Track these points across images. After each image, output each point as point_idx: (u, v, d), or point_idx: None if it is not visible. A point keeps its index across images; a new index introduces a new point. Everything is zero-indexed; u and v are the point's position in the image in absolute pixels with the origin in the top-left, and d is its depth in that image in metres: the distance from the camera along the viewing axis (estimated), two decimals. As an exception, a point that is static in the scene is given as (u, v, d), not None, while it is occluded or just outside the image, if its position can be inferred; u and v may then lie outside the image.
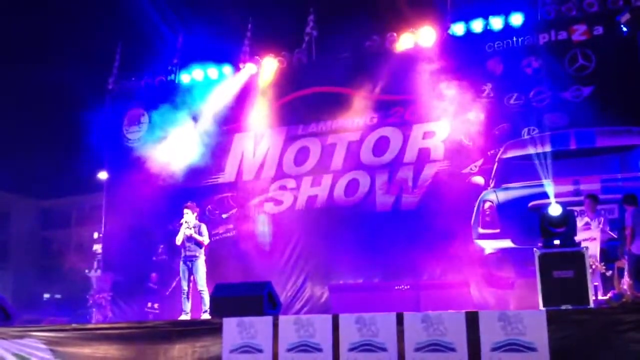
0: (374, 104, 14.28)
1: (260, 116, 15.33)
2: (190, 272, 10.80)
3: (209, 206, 15.23)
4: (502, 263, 12.30)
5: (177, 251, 11.21)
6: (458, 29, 13.55)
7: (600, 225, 10.00)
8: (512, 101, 12.98)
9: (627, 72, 12.14)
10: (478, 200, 12.78)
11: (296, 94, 15.13)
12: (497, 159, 12.85)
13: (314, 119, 14.86)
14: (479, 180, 12.91)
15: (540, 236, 7.92)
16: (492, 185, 12.81)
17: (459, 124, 13.25)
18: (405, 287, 11.89)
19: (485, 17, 13.35)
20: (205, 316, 10.24)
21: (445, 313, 7.20)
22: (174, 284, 13.24)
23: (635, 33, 11.95)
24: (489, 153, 12.94)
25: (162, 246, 14.80)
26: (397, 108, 14.07)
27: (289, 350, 7.67)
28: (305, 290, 14.02)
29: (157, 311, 14.51)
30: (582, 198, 10.78)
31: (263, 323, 7.95)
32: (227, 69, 15.60)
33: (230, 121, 15.51)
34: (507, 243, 12.35)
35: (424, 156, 13.61)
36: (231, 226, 15.12)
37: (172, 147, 15.52)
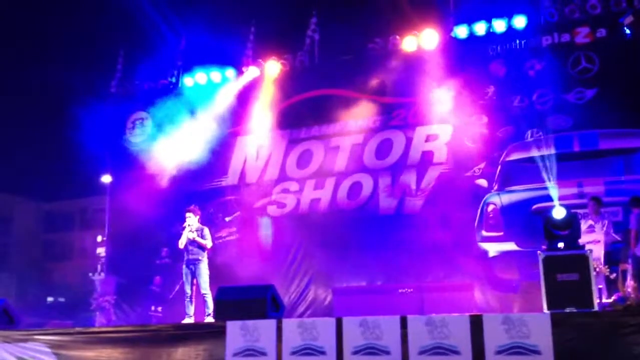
0: (376, 106, 14.28)
1: (263, 119, 15.34)
2: (194, 275, 10.80)
3: (212, 209, 15.22)
4: (505, 266, 12.28)
5: (181, 254, 11.21)
6: (461, 31, 13.55)
7: (604, 228, 9.98)
8: (515, 103, 12.96)
9: (630, 74, 12.13)
10: (481, 203, 12.76)
11: (299, 97, 15.13)
12: (500, 162, 12.83)
13: (316, 121, 14.87)
14: (483, 183, 12.89)
15: (544, 239, 7.90)
16: (495, 188, 12.79)
17: (462, 126, 13.25)
18: (409, 290, 11.89)
19: (488, 20, 13.33)
20: (209, 319, 10.23)
21: (449, 316, 7.18)
22: (177, 287, 13.24)
23: (638, 35, 11.94)
24: (492, 156, 12.92)
25: (165, 249, 14.80)
26: (400, 110, 14.07)
27: (293, 353, 7.66)
28: (308, 293, 14.01)
29: (160, 314, 14.50)
30: (585, 201, 10.76)
31: (266, 326, 7.94)
32: (230, 72, 15.61)
33: (233, 124, 15.53)
34: (510, 246, 12.32)
35: (427, 159, 13.60)
36: (234, 229, 15.11)
37: (175, 150, 15.53)
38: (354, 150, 14.39)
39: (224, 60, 15.61)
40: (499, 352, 6.78)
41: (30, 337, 9.45)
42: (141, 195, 15.28)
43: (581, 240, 8.10)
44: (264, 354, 7.82)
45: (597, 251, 9.31)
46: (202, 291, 10.67)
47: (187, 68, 15.98)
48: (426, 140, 13.72)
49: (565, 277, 7.27)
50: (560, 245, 7.66)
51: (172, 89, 16.15)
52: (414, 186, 13.62)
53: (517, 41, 13.21)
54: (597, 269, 8.80)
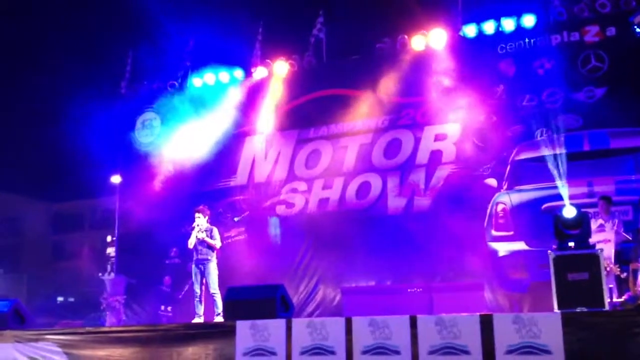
0: (385, 106, 14.27)
1: (271, 119, 15.37)
2: (203, 275, 10.82)
3: (221, 209, 15.25)
4: (515, 265, 12.24)
5: (190, 254, 11.24)
6: (470, 30, 13.51)
7: (615, 227, 9.93)
8: (524, 103, 12.93)
9: (640, 72, 12.08)
10: (491, 203, 12.73)
11: (307, 97, 15.14)
12: (510, 161, 12.79)
13: (325, 121, 14.88)
14: (492, 182, 12.86)
15: (554, 238, 7.87)
16: (505, 187, 12.76)
17: (471, 125, 13.23)
18: (418, 290, 11.87)
19: (497, 19, 13.30)
20: (218, 319, 10.25)
21: (459, 316, 7.17)
22: (187, 287, 13.28)
23: (648, 34, 11.88)
24: (501, 155, 12.88)
25: (174, 249, 14.84)
26: (408, 110, 14.06)
27: (303, 353, 7.67)
28: (317, 293, 14.02)
29: (170, 314, 14.55)
30: (596, 200, 10.70)
31: (276, 326, 7.95)
32: (238, 72, 15.65)
33: (242, 124, 15.57)
34: (520, 245, 12.29)
35: (435, 158, 13.58)
36: (243, 229, 15.13)
37: (183, 150, 15.58)
38: (363, 150, 14.38)
39: (232, 61, 15.65)
40: (509, 352, 6.76)
41: (41, 336, 9.50)
42: (150, 195, 15.36)
43: (591, 240, 8.07)
44: (273, 353, 7.83)
45: (607, 250, 9.26)
46: (211, 291, 10.69)
47: (196, 68, 16.02)
48: (435, 140, 13.70)
49: (575, 277, 7.23)
50: (571, 244, 7.63)
51: (180, 90, 16.19)
52: (422, 186, 13.60)
53: (527, 40, 13.17)
54: (608, 268, 8.77)
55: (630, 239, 9.97)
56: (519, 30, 13.19)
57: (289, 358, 7.73)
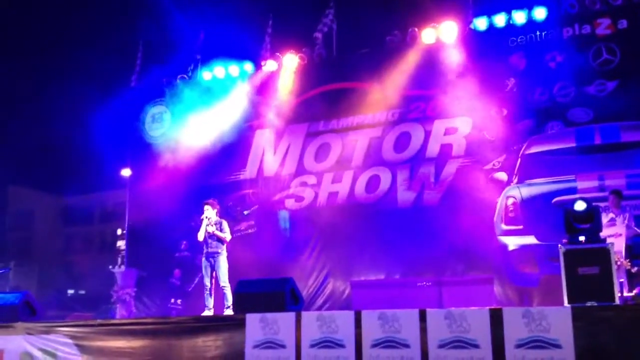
0: (395, 99, 14.23)
1: (281, 112, 15.37)
2: (213, 268, 10.84)
3: (231, 202, 15.29)
4: (525, 259, 12.20)
5: (200, 247, 11.26)
6: (481, 23, 13.45)
7: (626, 221, 9.86)
8: (535, 96, 12.86)
9: (652, 66, 11.99)
10: (501, 196, 12.69)
11: (317, 90, 15.13)
12: (520, 155, 12.74)
13: (334, 115, 14.86)
14: (502, 176, 12.82)
15: (565, 232, 7.83)
16: (515, 181, 12.71)
17: (482, 119, 13.17)
18: (427, 284, 11.86)
19: (508, 12, 13.23)
20: (228, 312, 10.29)
21: (469, 310, 7.16)
22: (197, 280, 13.33)
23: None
24: (512, 148, 12.83)
25: (184, 242, 14.90)
26: (418, 103, 14.02)
27: (312, 346, 7.68)
28: (326, 287, 14.03)
29: (180, 307, 14.63)
30: (606, 194, 10.64)
31: (286, 319, 7.97)
32: (248, 65, 15.65)
33: (252, 117, 15.58)
34: (530, 239, 12.24)
35: (445, 152, 13.54)
36: (252, 222, 15.17)
37: (193, 143, 15.61)
38: (372, 143, 14.36)
39: (242, 54, 15.65)
40: (518, 346, 6.75)
41: (52, 329, 9.57)
42: (160, 188, 15.40)
43: (602, 234, 8.03)
44: (283, 346, 7.85)
45: (618, 244, 9.20)
46: (221, 284, 10.72)
47: (206, 61, 16.03)
48: (445, 133, 13.66)
49: (586, 271, 7.20)
50: (581, 238, 7.59)
51: (190, 83, 16.21)
52: (432, 179, 13.57)
53: (538, 33, 13.10)
54: (619, 263, 8.72)
55: (641, 233, 9.92)
56: (530, 23, 13.11)
57: (298, 351, 7.75)
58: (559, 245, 7.57)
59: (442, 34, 13.72)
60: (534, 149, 12.67)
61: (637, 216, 10.44)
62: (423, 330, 7.19)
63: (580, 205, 7.86)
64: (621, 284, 8.80)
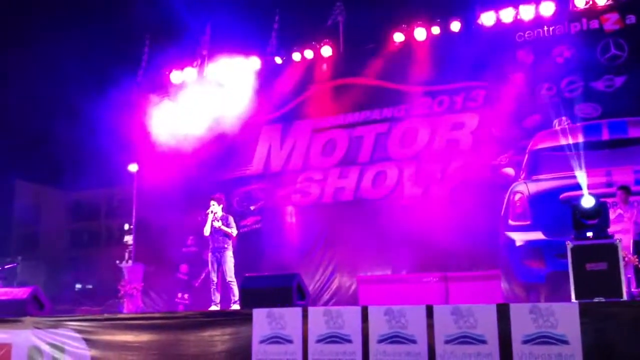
0: (401, 95, 14.21)
1: (288, 108, 15.36)
2: (219, 263, 10.86)
3: (237, 198, 15.32)
4: (532, 255, 12.18)
5: (206, 243, 11.29)
6: (488, 18, 13.39)
7: (634, 217, 9.85)
8: (543, 91, 12.82)
9: (660, 61, 11.93)
10: (508, 192, 12.66)
11: (323, 86, 15.12)
12: (527, 150, 12.71)
13: (341, 110, 14.85)
14: (509, 171, 12.79)
15: (573, 228, 7.82)
16: (522, 176, 12.68)
17: (489, 114, 13.14)
18: (434, 280, 11.85)
19: (516, 7, 13.17)
20: (235, 307, 10.31)
21: (476, 306, 7.15)
22: (204, 275, 13.36)
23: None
24: (519, 144, 12.79)
25: (191, 238, 14.94)
26: (425, 99, 13.99)
27: (319, 341, 7.70)
28: (333, 282, 14.04)
29: (187, 302, 14.67)
30: (614, 189, 10.61)
31: (293, 314, 7.98)
32: (254, 60, 15.64)
33: (258, 113, 15.57)
34: (538, 235, 12.21)
35: (452, 147, 13.52)
36: (259, 218, 15.19)
37: (200, 139, 15.62)
38: (379, 139, 14.35)
39: (248, 49, 15.64)
40: (526, 342, 6.74)
41: (60, 323, 9.61)
42: (167, 183, 15.43)
43: (610, 230, 8.01)
44: (290, 341, 7.87)
45: (626, 240, 9.20)
46: (228, 279, 10.74)
47: (212, 56, 16.03)
48: (452, 129, 13.64)
49: (593, 267, 7.19)
50: (589, 234, 7.57)
51: (197, 78, 16.22)
52: (439, 175, 13.54)
53: (545, 28, 13.05)
54: (626, 259, 8.70)
55: (650, 229, 9.89)
56: (538, 18, 13.05)
57: (305, 346, 7.77)
58: (567, 241, 7.55)
59: (449, 29, 13.69)
60: (542, 145, 12.63)
61: (644, 212, 10.40)
62: (430, 326, 7.19)
63: (587, 201, 7.84)
64: (629, 279, 8.80)
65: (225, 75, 15.86)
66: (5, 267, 11.82)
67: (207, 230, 10.92)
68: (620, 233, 9.38)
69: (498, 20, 13.35)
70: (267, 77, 15.57)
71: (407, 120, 14.15)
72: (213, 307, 10.63)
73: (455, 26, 13.61)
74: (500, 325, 6.88)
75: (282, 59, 15.42)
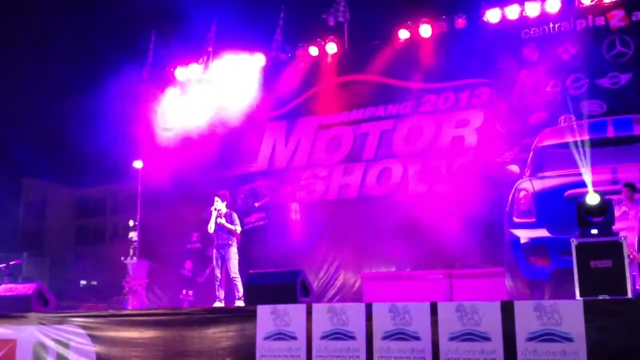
0: (406, 92, 14.19)
1: (292, 105, 15.36)
2: (224, 260, 10.88)
3: (242, 195, 15.33)
4: (537, 253, 12.16)
5: (211, 239, 11.31)
6: (493, 15, 13.35)
7: (639, 215, 9.81)
8: (548, 88, 12.77)
9: (666, 58, 11.88)
10: (513, 189, 12.63)
11: (328, 83, 15.11)
12: (532, 148, 12.66)
13: (346, 107, 14.84)
14: (514, 168, 12.76)
15: (577, 225, 7.79)
16: (527, 174, 12.65)
17: (494, 111, 13.12)
18: (438, 277, 11.84)
19: (521, 3, 13.12)
20: (239, 303, 10.32)
21: (480, 303, 7.15)
22: (208, 271, 13.38)
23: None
24: (524, 141, 12.76)
25: (195, 234, 14.96)
26: (430, 96, 13.97)
27: (323, 338, 7.71)
28: (337, 279, 14.04)
29: (191, 298, 14.70)
30: (619, 187, 10.58)
31: (297, 311, 7.99)
32: (259, 57, 15.63)
33: (262, 110, 15.57)
34: (542, 232, 12.18)
35: (457, 144, 13.50)
36: (264, 215, 15.19)
37: (205, 135, 15.64)
38: (384, 136, 14.33)
39: (253, 46, 15.63)
40: (530, 339, 6.74)
41: (64, 319, 9.64)
42: (172, 180, 15.45)
43: (615, 227, 7.99)
44: (294, 338, 7.88)
45: (631, 238, 9.16)
46: (232, 275, 10.76)
47: (218, 53, 16.03)
48: (456, 126, 13.61)
49: (598, 264, 7.17)
50: (594, 231, 7.55)
51: (202, 74, 16.23)
52: (443, 172, 13.52)
53: (551, 25, 12.99)
54: (631, 256, 8.69)
55: (655, 226, 9.85)
56: (543, 15, 13.00)
57: (309, 342, 7.78)
58: (571, 238, 7.53)
59: (454, 26, 13.66)
60: (547, 142, 12.59)
61: (650, 210, 10.35)
62: (434, 323, 7.20)
63: (592, 199, 7.81)
64: (634, 277, 8.75)
65: (230, 72, 15.85)
66: (10, 263, 11.84)
67: (211, 228, 10.94)
68: (626, 230, 9.32)
69: (503, 17, 13.29)
70: (271, 74, 15.57)
71: (412, 117, 14.13)
72: (217, 304, 10.64)
73: (461, 23, 13.57)
74: (505, 323, 6.88)
75: (287, 55, 15.41)
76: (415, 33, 14.13)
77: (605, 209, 7.71)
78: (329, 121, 15.01)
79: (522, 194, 12.56)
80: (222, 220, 10.83)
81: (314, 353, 7.73)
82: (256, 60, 15.64)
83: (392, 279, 12.64)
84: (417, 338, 7.25)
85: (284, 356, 7.87)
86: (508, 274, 12.04)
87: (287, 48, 15.41)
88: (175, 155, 15.75)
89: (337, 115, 14.95)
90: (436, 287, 11.58)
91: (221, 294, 10.80)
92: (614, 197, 9.53)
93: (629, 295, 7.08)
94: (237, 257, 10.90)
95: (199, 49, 16.26)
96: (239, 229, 10.97)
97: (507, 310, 6.91)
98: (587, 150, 11.60)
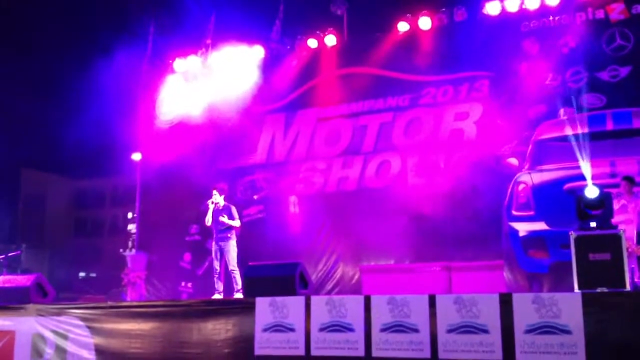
0: (406, 84, 14.17)
1: (291, 97, 15.34)
2: (222, 252, 10.90)
3: (241, 187, 15.33)
4: (536, 245, 12.16)
5: (210, 231, 11.32)
6: (493, 7, 13.31)
7: (638, 208, 9.82)
8: (547, 81, 12.76)
9: (666, 51, 11.86)
10: (512, 182, 12.62)
11: (327, 75, 15.08)
12: (532, 141, 12.65)
13: (345, 100, 14.82)
14: (513, 161, 12.76)
15: (576, 218, 7.80)
16: (526, 166, 12.64)
17: (493, 104, 13.10)
18: (437, 269, 11.85)
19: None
20: (238, 296, 10.34)
21: (479, 295, 7.17)
22: (207, 264, 13.39)
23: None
24: (523, 134, 12.75)
25: (195, 226, 14.97)
26: (429, 89, 13.95)
27: (321, 330, 7.73)
28: (336, 271, 14.06)
29: (190, 290, 14.73)
30: (618, 180, 10.58)
31: (295, 303, 8.01)
32: (258, 49, 15.59)
33: (261, 102, 15.55)
34: (541, 225, 12.18)
35: (456, 137, 13.49)
36: (262, 207, 15.19)
37: (204, 127, 15.62)
38: (383, 128, 14.32)
39: (252, 38, 15.59)
40: (528, 332, 6.77)
41: (63, 310, 9.67)
42: (171, 172, 15.44)
43: (614, 220, 7.99)
44: (292, 329, 7.90)
45: (629, 231, 9.17)
46: (230, 268, 10.78)
47: (217, 45, 15.98)
48: (456, 119, 13.59)
49: (597, 257, 7.18)
50: (593, 224, 7.56)
51: (201, 66, 16.19)
52: (442, 165, 13.52)
53: (550, 18, 12.96)
54: (630, 249, 8.69)
55: (653, 219, 9.85)
56: (543, 7, 12.97)
57: (307, 334, 7.81)
58: (570, 231, 7.54)
59: (453, 19, 13.62)
60: (546, 135, 12.58)
61: (648, 203, 10.36)
62: (432, 315, 7.23)
63: (591, 192, 7.82)
64: (632, 270, 8.77)
65: (229, 64, 15.81)
66: (9, 254, 11.85)
67: (208, 220, 10.97)
68: (624, 223, 9.32)
69: (503, 9, 13.25)
70: (270, 67, 15.53)
71: (411, 110, 14.11)
72: (216, 296, 10.67)
73: (460, 15, 13.53)
74: (503, 315, 6.90)
75: (286, 48, 15.37)
76: (414, 25, 14.10)
77: (604, 202, 7.72)
78: (328, 114, 14.99)
79: (521, 187, 12.55)
80: (224, 219, 10.83)
81: (312, 345, 7.76)
82: (255, 53, 15.61)
83: (390, 271, 12.65)
84: (416, 330, 7.28)
85: (283, 348, 7.90)
86: (507, 267, 12.05)
87: (286, 40, 15.36)
88: (174, 148, 15.72)
89: (336, 108, 14.93)
90: (435, 280, 11.60)
91: (220, 286, 10.82)
92: (613, 190, 9.52)
93: (628, 288, 7.10)
94: (235, 249, 10.92)
95: (198, 40, 16.21)
96: (237, 223, 10.98)
97: (506, 303, 6.93)
98: (586, 143, 11.59)
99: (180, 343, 8.61)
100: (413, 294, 7.56)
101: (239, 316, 8.35)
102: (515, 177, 12.63)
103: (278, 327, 8.00)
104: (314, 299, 8.01)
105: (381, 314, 7.48)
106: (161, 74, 16.76)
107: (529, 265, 12.20)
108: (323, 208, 14.51)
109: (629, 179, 10.20)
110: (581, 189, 8.31)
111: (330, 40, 14.94)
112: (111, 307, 9.62)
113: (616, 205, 9.28)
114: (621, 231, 7.40)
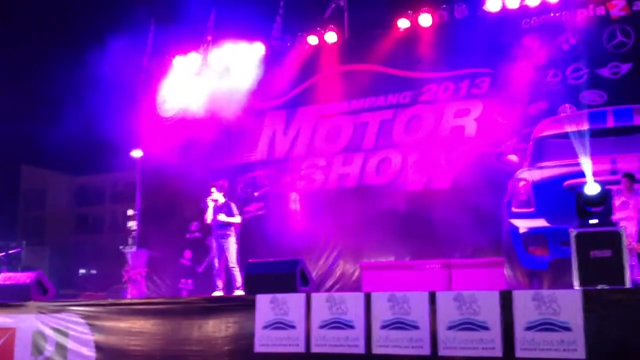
0: (406, 81, 14.15)
1: (292, 94, 15.33)
2: (222, 249, 10.91)
3: (241, 184, 15.33)
4: (536, 242, 12.17)
5: (210, 229, 11.32)
6: (493, 4, 13.29)
7: (638, 205, 9.82)
8: (548, 78, 12.74)
9: (667, 48, 11.85)
10: (512, 179, 12.63)
11: (328, 72, 15.06)
12: (532, 138, 12.65)
13: (346, 97, 14.81)
14: (514, 158, 12.75)
15: (577, 215, 7.80)
16: (526, 163, 12.63)
17: (493, 101, 13.08)
18: (437, 266, 11.84)
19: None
20: (238, 293, 10.35)
21: (479, 292, 7.16)
22: (207, 261, 13.40)
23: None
24: (523, 131, 12.74)
25: (195, 223, 14.97)
26: (430, 85, 13.93)
27: (322, 327, 7.74)
28: (336, 268, 14.06)
29: (190, 287, 14.74)
30: (619, 177, 10.58)
31: (296, 300, 8.01)
32: (259, 46, 15.58)
33: (263, 99, 15.53)
34: (541, 222, 12.18)
35: (457, 134, 13.47)
36: (263, 204, 15.19)
37: (205, 124, 15.61)
38: (383, 125, 14.31)
39: (253, 35, 15.58)
40: (528, 328, 6.76)
41: (64, 308, 9.67)
42: (172, 169, 15.43)
43: (614, 217, 7.99)
44: (292, 327, 7.90)
45: (630, 228, 9.18)
46: (230, 265, 10.79)
47: (217, 41, 15.97)
48: (456, 116, 13.58)
49: (597, 254, 7.18)
50: (593, 221, 7.56)
51: (202, 63, 16.18)
52: (443, 162, 13.51)
53: (551, 14, 12.94)
54: (630, 246, 8.70)
55: (654, 216, 9.86)
56: (544, 4, 12.95)
57: (308, 332, 7.81)
58: (570, 228, 7.54)
59: (454, 15, 13.60)
60: (546, 132, 12.57)
61: (649, 200, 10.35)
62: (432, 312, 7.22)
63: (592, 189, 7.82)
64: (632, 267, 8.77)
65: (230, 61, 15.80)
66: (10, 252, 11.86)
67: (208, 218, 10.99)
68: (625, 220, 9.35)
69: (504, 6, 13.22)
70: (271, 63, 15.51)
71: (411, 107, 14.10)
72: (216, 293, 10.67)
73: (461, 12, 13.51)
74: (503, 312, 6.90)
75: (286, 44, 15.35)
76: (415, 22, 14.07)
77: (604, 199, 7.72)
78: (328, 111, 14.98)
79: (521, 183, 12.55)
80: (222, 217, 10.83)
81: (312, 342, 7.76)
82: (256, 49, 15.59)
83: (391, 268, 12.63)
84: (416, 327, 7.28)
85: (283, 345, 7.91)
86: (507, 264, 12.03)
87: (287, 37, 15.34)
88: (175, 145, 15.72)
89: (337, 105, 14.91)
90: (435, 277, 11.57)
91: (220, 283, 10.83)
92: (614, 187, 9.52)
93: (628, 285, 7.10)
94: (236, 247, 10.93)
95: (198, 37, 16.20)
96: (237, 220, 10.98)
97: (506, 300, 6.93)
98: (587, 140, 11.58)
99: (181, 340, 8.62)
100: (413, 291, 7.56)
101: (240, 313, 8.35)
102: (516, 174, 12.63)
103: (278, 324, 8.00)
104: (315, 296, 8.01)
105: (381, 311, 7.48)
106: (161, 70, 16.73)
107: (529, 262, 12.21)
108: (323, 205, 14.50)
109: (630, 176, 10.22)
110: (581, 185, 8.32)
111: (331, 37, 14.92)
112: (112, 304, 9.63)
113: (617, 202, 9.31)
114: (622, 228, 7.40)
